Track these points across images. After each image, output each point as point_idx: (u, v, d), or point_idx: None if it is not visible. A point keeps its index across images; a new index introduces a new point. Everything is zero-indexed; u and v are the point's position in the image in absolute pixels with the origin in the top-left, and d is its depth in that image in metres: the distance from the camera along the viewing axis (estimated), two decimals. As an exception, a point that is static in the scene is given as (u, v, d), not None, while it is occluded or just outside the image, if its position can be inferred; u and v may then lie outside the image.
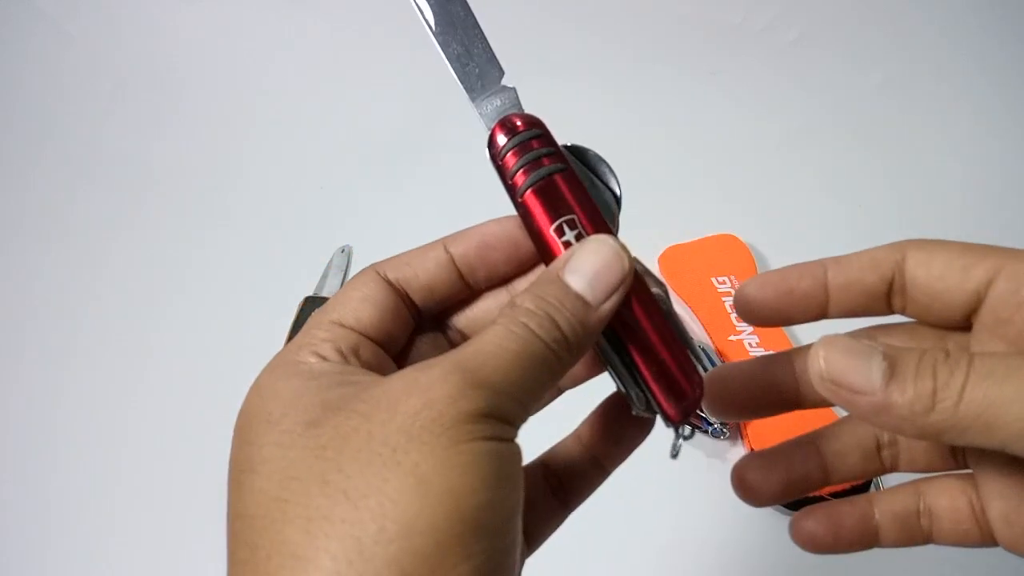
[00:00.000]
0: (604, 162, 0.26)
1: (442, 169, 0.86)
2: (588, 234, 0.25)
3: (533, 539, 0.28)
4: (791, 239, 0.75)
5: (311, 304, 0.71)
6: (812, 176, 0.84)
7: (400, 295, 0.27)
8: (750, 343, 0.65)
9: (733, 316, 0.67)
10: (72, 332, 0.73)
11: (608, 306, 0.24)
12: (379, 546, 0.19)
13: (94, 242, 0.82)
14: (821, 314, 0.27)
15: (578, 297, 0.24)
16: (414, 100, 0.93)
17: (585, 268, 0.24)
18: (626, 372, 0.25)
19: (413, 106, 0.93)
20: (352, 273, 0.77)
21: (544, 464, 0.29)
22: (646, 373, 0.25)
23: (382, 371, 0.25)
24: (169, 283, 0.77)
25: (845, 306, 0.27)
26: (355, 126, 0.91)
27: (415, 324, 0.28)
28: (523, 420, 0.22)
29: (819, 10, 1.01)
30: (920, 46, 0.97)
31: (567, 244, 0.25)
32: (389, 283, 0.26)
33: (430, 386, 0.21)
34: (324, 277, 0.76)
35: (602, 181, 0.26)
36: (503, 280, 0.28)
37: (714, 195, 0.81)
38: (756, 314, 0.28)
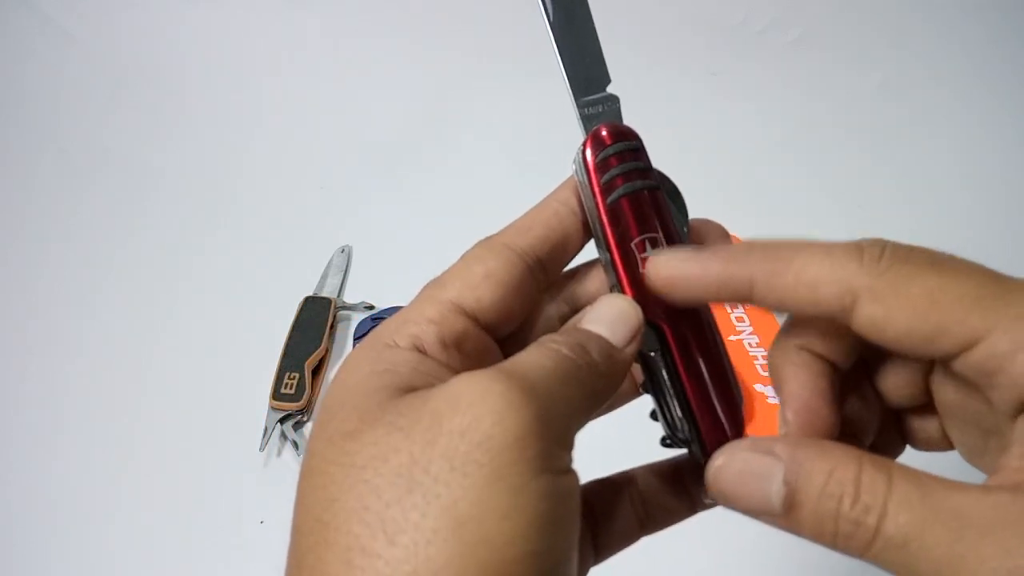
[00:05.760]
0: (680, 195, 0.27)
1: (442, 169, 0.86)
2: None
3: (604, 552, 0.27)
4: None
5: (311, 304, 0.71)
6: (811, 176, 0.84)
7: (529, 265, 0.25)
8: (750, 343, 0.65)
9: (733, 316, 0.67)
10: (73, 332, 0.73)
11: (631, 350, 0.24)
12: None
13: (94, 242, 0.82)
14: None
15: (602, 337, 0.24)
16: (414, 100, 0.94)
17: (602, 317, 0.24)
18: (676, 402, 0.25)
19: (413, 106, 0.93)
20: (352, 273, 0.77)
21: (633, 481, 0.27)
22: (696, 406, 0.25)
23: (481, 364, 0.23)
24: (169, 283, 0.77)
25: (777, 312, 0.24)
26: (355, 126, 0.91)
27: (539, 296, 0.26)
28: (572, 437, 0.21)
29: (819, 11, 1.01)
30: (919, 47, 0.97)
31: (644, 261, 0.25)
32: (516, 254, 0.25)
33: (474, 401, 0.19)
34: (324, 277, 0.76)
35: (679, 210, 0.26)
36: None
37: (714, 195, 0.81)
38: (668, 296, 0.24)
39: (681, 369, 0.25)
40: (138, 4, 1.01)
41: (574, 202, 0.26)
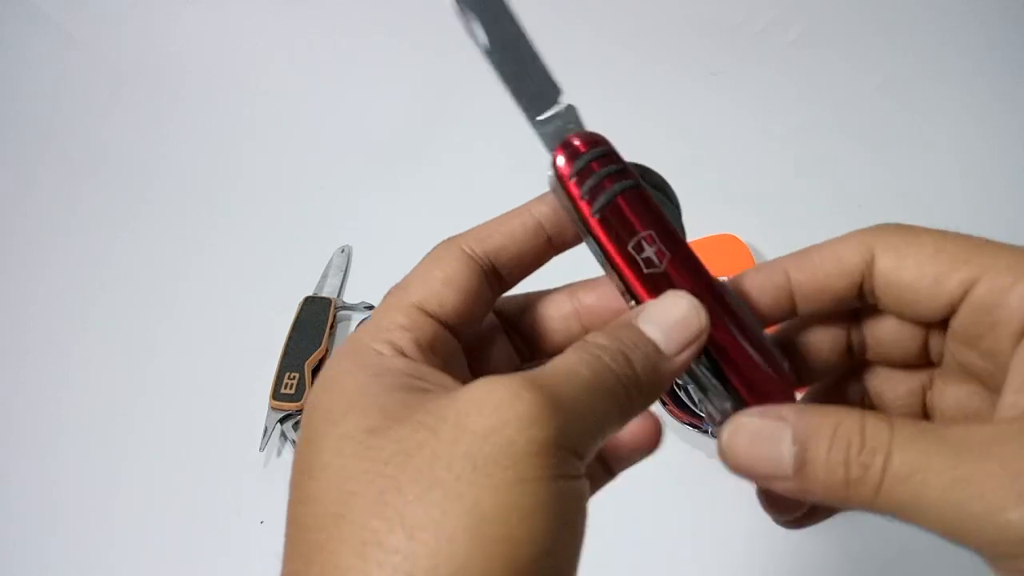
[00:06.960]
0: (668, 186, 0.27)
1: (442, 169, 0.86)
2: (666, 250, 0.25)
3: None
4: (791, 239, 0.74)
5: (311, 304, 0.71)
6: (812, 176, 0.84)
7: (485, 271, 0.25)
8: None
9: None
10: (73, 332, 0.73)
11: (682, 358, 0.24)
12: None
13: (94, 242, 0.82)
14: (790, 317, 0.26)
15: (652, 343, 0.23)
16: (414, 100, 0.94)
17: (660, 319, 0.24)
18: (715, 383, 0.25)
19: (413, 106, 0.93)
20: (352, 273, 0.77)
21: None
22: (737, 380, 0.24)
23: (453, 366, 0.24)
24: (169, 283, 0.77)
25: (813, 308, 0.26)
26: (355, 126, 0.91)
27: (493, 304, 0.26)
28: (591, 454, 0.21)
29: (819, 11, 1.01)
30: (920, 47, 0.97)
31: (647, 261, 0.25)
32: (473, 259, 0.25)
33: (501, 404, 0.20)
34: (324, 277, 0.76)
35: (668, 200, 0.26)
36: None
37: (714, 195, 0.81)
38: None
39: (723, 342, 0.24)
40: (138, 5, 1.01)
41: (546, 216, 0.26)
